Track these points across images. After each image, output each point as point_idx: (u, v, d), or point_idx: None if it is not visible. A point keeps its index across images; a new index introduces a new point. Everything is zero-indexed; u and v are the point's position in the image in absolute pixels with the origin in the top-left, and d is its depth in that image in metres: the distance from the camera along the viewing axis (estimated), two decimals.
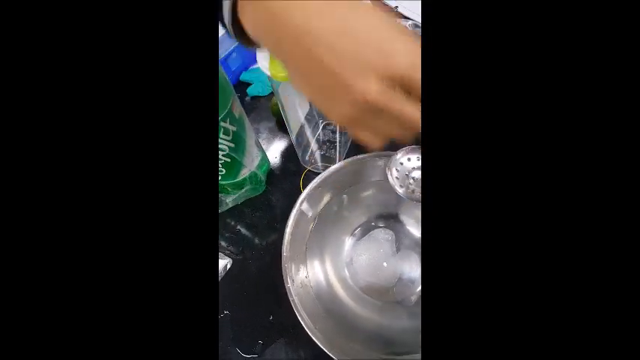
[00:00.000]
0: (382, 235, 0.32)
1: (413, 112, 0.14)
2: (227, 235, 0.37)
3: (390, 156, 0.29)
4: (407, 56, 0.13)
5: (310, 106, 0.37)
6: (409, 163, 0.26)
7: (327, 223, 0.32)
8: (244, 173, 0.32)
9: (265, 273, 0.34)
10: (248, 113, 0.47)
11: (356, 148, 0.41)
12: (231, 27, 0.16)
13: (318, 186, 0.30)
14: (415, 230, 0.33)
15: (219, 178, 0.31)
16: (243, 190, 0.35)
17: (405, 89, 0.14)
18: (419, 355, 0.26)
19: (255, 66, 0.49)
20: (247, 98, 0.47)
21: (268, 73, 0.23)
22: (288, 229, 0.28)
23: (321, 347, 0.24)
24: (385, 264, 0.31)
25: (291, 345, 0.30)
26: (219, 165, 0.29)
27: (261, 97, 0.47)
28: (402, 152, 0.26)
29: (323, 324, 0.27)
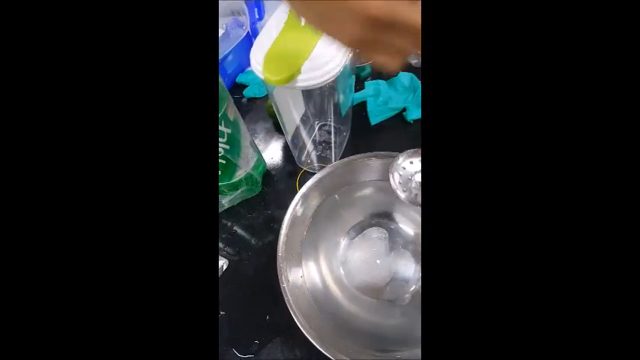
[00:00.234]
0: (376, 234, 0.33)
1: (419, 17, 0.13)
2: (224, 236, 0.37)
3: (388, 157, 0.30)
4: None
5: (305, 107, 0.37)
6: (411, 166, 0.26)
7: (322, 223, 0.32)
8: (240, 174, 0.33)
9: (261, 273, 0.34)
10: (245, 114, 0.48)
11: (351, 149, 0.42)
12: None
13: (314, 186, 0.30)
14: (408, 229, 0.33)
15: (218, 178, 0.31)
16: (239, 191, 0.35)
17: None
18: (412, 352, 0.26)
19: (251, 68, 0.49)
20: (244, 100, 0.47)
21: (262, 76, 0.23)
22: (284, 230, 0.29)
23: (316, 346, 0.25)
24: (379, 262, 0.32)
25: (287, 344, 0.31)
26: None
27: (257, 98, 0.47)
28: (403, 156, 0.26)
29: (318, 323, 0.27)
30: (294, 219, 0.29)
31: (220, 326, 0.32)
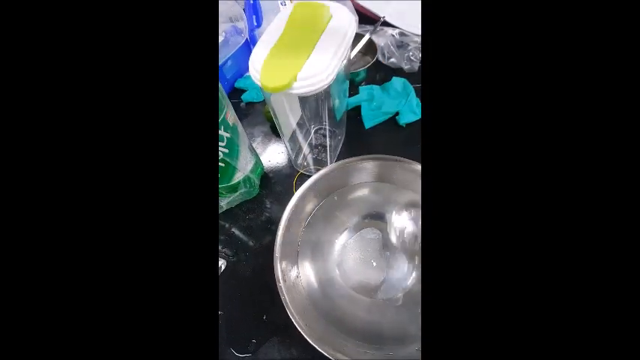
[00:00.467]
0: (370, 235, 0.34)
1: None
2: (222, 237, 0.38)
3: (382, 160, 0.31)
4: None
5: (301, 112, 0.38)
6: (400, 219, 0.28)
7: (318, 224, 0.33)
8: (238, 177, 0.33)
9: (259, 274, 0.35)
10: (243, 118, 0.49)
11: (346, 152, 0.43)
12: None
13: (310, 188, 0.31)
14: (401, 227, 0.34)
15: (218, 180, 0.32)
16: (237, 194, 0.36)
17: None
18: (406, 350, 0.27)
19: (249, 74, 0.50)
20: (242, 104, 0.48)
21: (260, 84, 0.24)
22: (281, 231, 0.29)
23: (312, 344, 0.25)
24: (373, 262, 0.33)
25: (284, 343, 0.31)
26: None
27: (255, 102, 0.48)
28: (394, 213, 0.29)
29: (314, 322, 0.28)
30: (291, 220, 0.30)
31: (218, 326, 0.33)
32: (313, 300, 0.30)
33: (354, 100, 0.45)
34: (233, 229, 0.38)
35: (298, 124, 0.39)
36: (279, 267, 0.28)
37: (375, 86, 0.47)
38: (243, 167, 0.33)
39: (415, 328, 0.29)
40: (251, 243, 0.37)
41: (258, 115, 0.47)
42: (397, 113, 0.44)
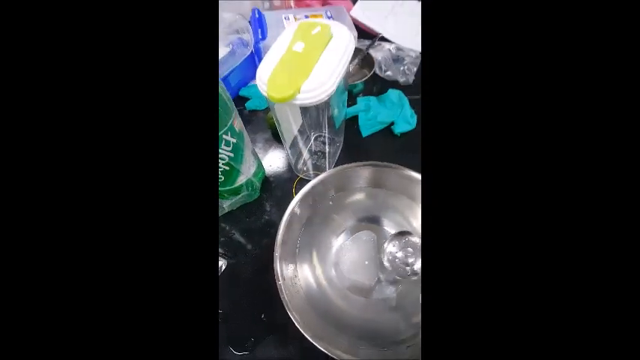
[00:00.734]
0: (365, 237, 0.35)
1: None
2: (222, 239, 0.39)
3: (377, 166, 0.33)
4: None
5: (303, 120, 0.40)
6: (393, 248, 0.31)
7: (316, 226, 0.34)
8: (241, 180, 0.35)
9: (257, 275, 0.36)
10: (246, 125, 0.51)
11: (344, 158, 0.45)
12: None
13: (309, 192, 0.33)
14: (393, 231, 0.36)
15: (218, 184, 0.33)
16: (239, 196, 0.38)
17: None
18: (399, 348, 0.28)
19: (253, 82, 0.52)
20: (246, 111, 0.50)
21: (266, 95, 0.26)
22: (281, 232, 0.31)
23: (310, 340, 0.26)
24: (367, 263, 0.34)
25: (282, 342, 0.32)
26: (219, 172, 0.32)
27: (258, 110, 0.50)
28: (387, 242, 0.31)
29: (311, 319, 0.29)
30: (291, 222, 0.32)
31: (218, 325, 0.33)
32: (310, 298, 0.31)
33: (352, 110, 0.48)
34: (233, 231, 0.39)
35: (299, 131, 0.41)
36: (279, 266, 0.30)
37: (372, 97, 0.49)
38: (247, 171, 0.35)
39: (407, 327, 0.30)
40: (250, 245, 0.38)
41: (261, 122, 0.49)
42: (392, 123, 0.47)
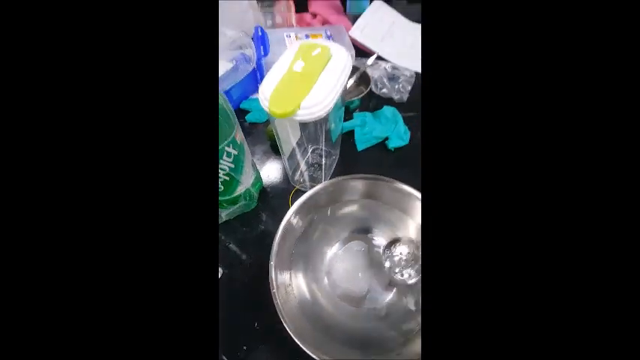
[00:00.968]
0: (357, 247, 0.36)
1: None
2: (219, 247, 0.39)
3: (371, 179, 0.35)
4: None
5: (301, 133, 0.42)
6: (394, 250, 0.33)
7: (310, 236, 0.35)
8: (240, 190, 0.36)
9: (252, 284, 0.36)
10: (246, 136, 0.52)
11: (339, 171, 0.46)
12: None
13: (305, 203, 0.34)
14: (384, 241, 0.37)
15: (218, 193, 0.34)
16: (237, 206, 0.39)
17: None
18: (388, 356, 0.29)
19: (254, 96, 0.54)
20: (246, 124, 0.52)
21: (268, 110, 0.28)
22: (277, 241, 0.31)
23: (302, 347, 0.26)
24: (360, 274, 0.35)
25: (274, 350, 0.32)
26: (219, 182, 0.33)
27: (258, 123, 0.52)
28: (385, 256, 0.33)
29: (303, 327, 0.29)
30: (286, 231, 0.32)
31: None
32: (303, 307, 0.32)
33: (348, 125, 0.50)
34: (229, 240, 0.40)
35: (297, 144, 0.43)
36: (274, 274, 0.30)
37: (367, 113, 0.51)
38: (245, 181, 0.36)
39: (396, 336, 0.31)
40: (245, 254, 0.39)
41: (260, 134, 0.51)
42: (387, 138, 0.48)
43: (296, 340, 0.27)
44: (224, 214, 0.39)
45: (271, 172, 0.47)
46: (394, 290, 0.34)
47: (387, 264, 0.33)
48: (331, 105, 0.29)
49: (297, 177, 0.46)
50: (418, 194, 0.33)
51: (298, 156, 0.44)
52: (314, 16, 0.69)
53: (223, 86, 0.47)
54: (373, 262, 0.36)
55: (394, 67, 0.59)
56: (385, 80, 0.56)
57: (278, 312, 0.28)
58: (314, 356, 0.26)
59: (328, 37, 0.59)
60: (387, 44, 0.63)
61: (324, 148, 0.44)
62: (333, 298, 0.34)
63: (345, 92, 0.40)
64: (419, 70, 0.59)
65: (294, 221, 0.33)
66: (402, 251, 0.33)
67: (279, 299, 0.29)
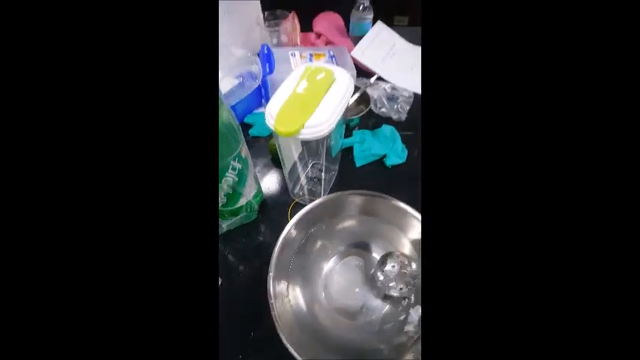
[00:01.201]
0: (354, 262, 0.37)
1: None
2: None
3: (368, 195, 0.36)
4: None
5: (303, 148, 0.44)
6: (387, 267, 0.34)
7: (309, 249, 0.36)
8: (242, 202, 0.37)
9: (249, 294, 0.37)
10: (248, 149, 0.54)
11: (338, 185, 0.48)
12: None
13: (304, 216, 0.35)
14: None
15: (221, 205, 0.36)
16: (238, 217, 0.40)
17: None
18: None
19: (258, 110, 0.57)
20: (249, 137, 0.54)
21: (273, 129, 0.29)
22: (275, 253, 0.32)
23: (297, 358, 0.27)
24: (355, 288, 0.36)
25: (269, 359, 0.33)
26: (223, 194, 0.34)
27: (261, 137, 0.54)
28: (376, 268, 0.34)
29: (299, 337, 0.30)
30: (285, 244, 0.33)
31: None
32: (299, 318, 0.33)
33: (348, 141, 0.52)
34: (228, 251, 0.41)
35: (298, 158, 0.44)
36: (272, 285, 0.31)
37: (366, 131, 0.53)
38: (248, 194, 0.37)
39: (389, 351, 0.31)
40: (243, 265, 0.40)
41: (262, 147, 0.52)
42: (384, 156, 0.50)
43: (291, 351, 0.28)
44: (225, 225, 0.40)
45: (272, 184, 0.48)
46: (388, 304, 0.35)
47: (380, 277, 0.34)
48: (333, 125, 0.31)
49: (297, 190, 0.47)
50: (413, 212, 0.35)
51: (299, 170, 0.46)
52: (318, 35, 0.72)
53: (229, 101, 0.49)
54: (369, 277, 0.37)
55: (393, 88, 0.61)
56: (384, 100, 0.58)
57: (275, 322, 0.29)
58: None
59: (331, 57, 0.62)
60: (387, 65, 0.66)
61: (324, 162, 0.45)
62: (329, 311, 0.35)
63: (346, 111, 0.42)
64: (417, 90, 0.62)
65: (293, 234, 0.34)
66: (394, 265, 0.34)
67: (276, 310, 0.30)
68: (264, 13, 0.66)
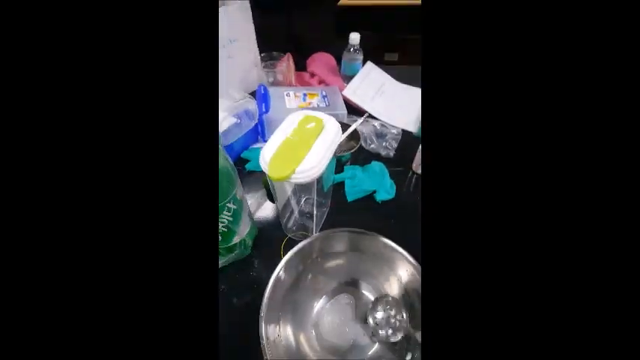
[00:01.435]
0: (344, 300, 0.38)
1: None
2: None
3: (359, 233, 0.37)
4: None
5: (294, 185, 0.46)
6: (378, 314, 0.35)
7: (299, 288, 0.37)
8: (236, 240, 0.39)
9: (239, 330, 0.37)
10: (243, 183, 0.56)
11: (330, 220, 0.49)
12: None
13: (295, 254, 0.36)
14: (370, 295, 0.39)
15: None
16: (232, 254, 0.41)
17: None
18: None
19: (254, 146, 0.59)
20: (245, 171, 0.56)
21: (267, 173, 0.32)
22: (267, 293, 0.33)
23: None
24: (346, 328, 0.36)
25: None
26: (218, 233, 0.36)
27: (256, 171, 0.56)
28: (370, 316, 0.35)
29: None
30: (277, 283, 0.34)
31: None
32: (290, 356, 0.33)
33: (339, 177, 0.54)
34: (221, 287, 0.41)
35: (292, 193, 0.46)
36: (264, 327, 0.32)
37: (357, 167, 0.56)
38: (242, 232, 0.39)
39: None
40: (235, 300, 0.40)
41: (257, 181, 0.54)
42: (374, 191, 0.53)
43: None
44: (220, 262, 0.41)
45: (265, 218, 0.50)
46: (376, 344, 0.36)
47: (371, 321, 0.35)
48: (323, 169, 0.34)
49: (290, 225, 0.48)
50: (401, 250, 0.36)
51: (292, 204, 0.48)
52: (312, 75, 0.77)
53: (227, 139, 0.52)
54: (360, 315, 0.37)
55: (382, 125, 0.65)
56: (374, 137, 0.62)
57: None
58: None
59: (324, 97, 0.66)
60: (377, 103, 0.71)
61: (315, 197, 0.47)
62: (319, 350, 0.35)
63: (338, 147, 0.44)
64: (405, 127, 0.66)
65: (284, 275, 0.35)
66: (385, 309, 0.35)
67: (267, 352, 0.30)
68: (261, 55, 0.71)
